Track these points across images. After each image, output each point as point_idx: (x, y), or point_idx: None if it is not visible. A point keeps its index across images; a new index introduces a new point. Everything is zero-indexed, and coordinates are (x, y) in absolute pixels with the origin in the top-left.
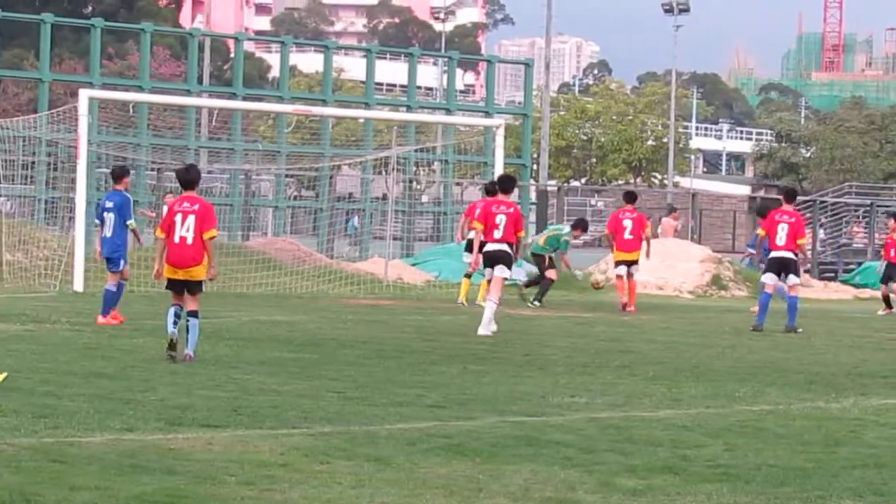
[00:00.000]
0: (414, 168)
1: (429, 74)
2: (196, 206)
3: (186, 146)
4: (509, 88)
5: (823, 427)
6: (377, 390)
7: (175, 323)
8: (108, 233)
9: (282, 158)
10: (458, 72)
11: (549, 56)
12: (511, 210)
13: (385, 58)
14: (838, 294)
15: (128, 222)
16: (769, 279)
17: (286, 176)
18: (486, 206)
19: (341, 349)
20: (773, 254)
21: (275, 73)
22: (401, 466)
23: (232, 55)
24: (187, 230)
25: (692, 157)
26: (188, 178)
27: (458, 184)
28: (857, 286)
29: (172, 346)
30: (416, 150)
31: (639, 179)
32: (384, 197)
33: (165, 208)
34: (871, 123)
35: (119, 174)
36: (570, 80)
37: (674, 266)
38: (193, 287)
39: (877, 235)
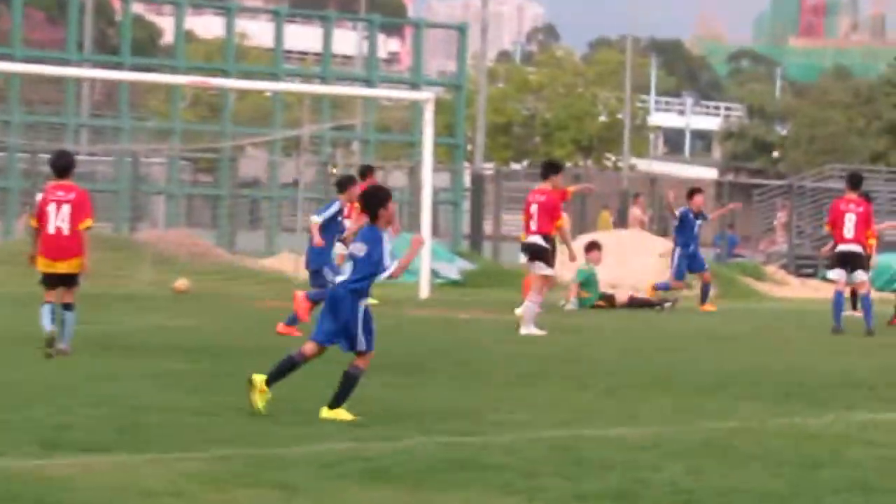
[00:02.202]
0: (329, 149)
1: (347, 41)
2: (71, 195)
3: (65, 124)
4: (440, 57)
5: (802, 446)
6: (286, 406)
7: (52, 320)
8: None
9: (176, 138)
10: (381, 37)
11: (486, 19)
12: (543, 198)
13: (296, 21)
14: (819, 293)
15: None
16: (837, 275)
17: (181, 158)
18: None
19: (245, 359)
20: (841, 247)
21: (168, 39)
22: (312, 495)
23: (118, 18)
24: (62, 221)
25: (651, 135)
26: (60, 165)
27: (380, 167)
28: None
29: (51, 342)
30: (331, 129)
31: (589, 161)
32: (295, 183)
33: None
34: (856, 96)
35: None
36: (510, 48)
37: (629, 262)
38: (70, 280)
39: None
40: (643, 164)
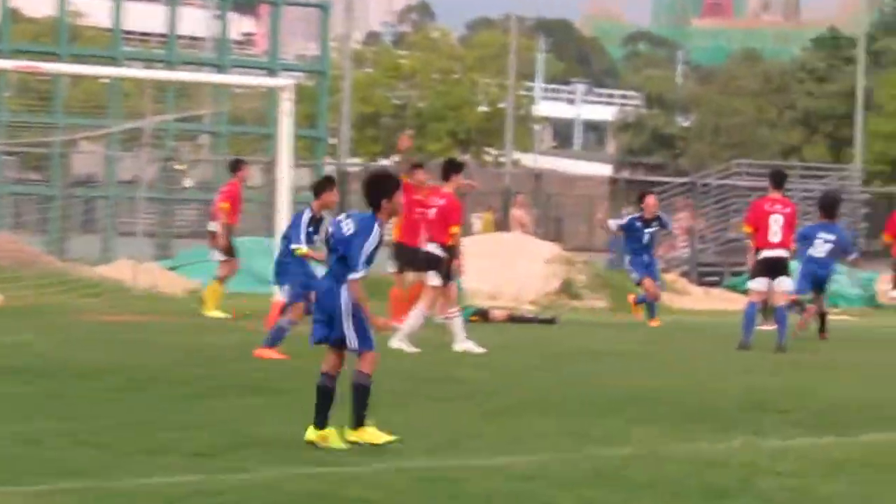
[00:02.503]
0: (174, 143)
1: (195, 20)
2: None
3: None
4: (300, 38)
5: (704, 475)
6: (123, 433)
7: None
8: None
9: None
10: (233, 17)
11: None
12: (443, 202)
13: None
14: (725, 303)
15: None
16: (759, 285)
17: (5, 154)
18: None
19: (76, 380)
20: (766, 253)
21: None
22: None
23: None
24: None
25: (537, 127)
26: None
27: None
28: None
29: None
30: (176, 120)
31: (468, 156)
32: (134, 181)
33: None
34: (766, 83)
35: None
36: (379, 28)
37: (511, 268)
38: None
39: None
40: (528, 160)
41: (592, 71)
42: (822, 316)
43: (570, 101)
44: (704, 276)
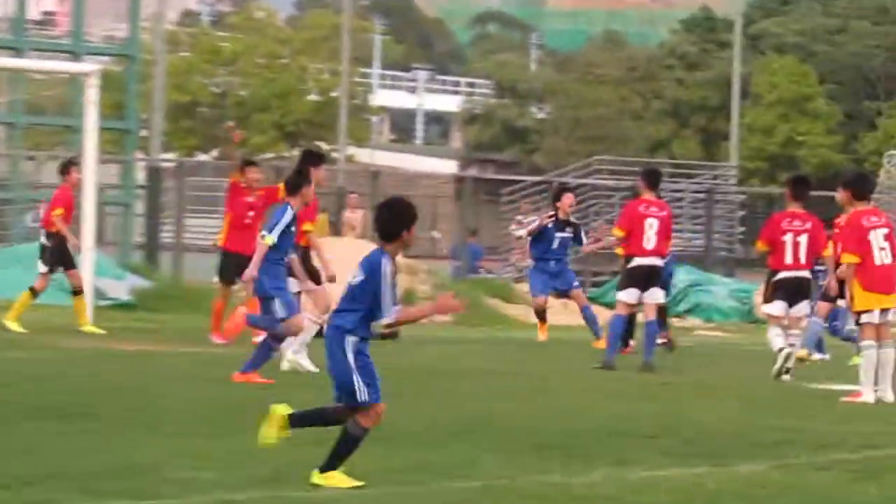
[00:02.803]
0: None
1: None
2: None
3: None
4: (107, 18)
5: None
6: None
7: None
8: None
9: None
10: None
11: None
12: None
13: None
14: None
15: None
16: (629, 296)
17: None
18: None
19: None
20: (639, 260)
21: None
22: None
23: None
24: None
25: (374, 118)
26: None
27: (30, 157)
28: (610, 305)
29: None
30: None
31: (296, 151)
32: None
33: None
34: (631, 70)
35: None
36: (196, 7)
37: (345, 277)
38: None
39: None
40: (364, 155)
41: (436, 56)
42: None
43: (412, 90)
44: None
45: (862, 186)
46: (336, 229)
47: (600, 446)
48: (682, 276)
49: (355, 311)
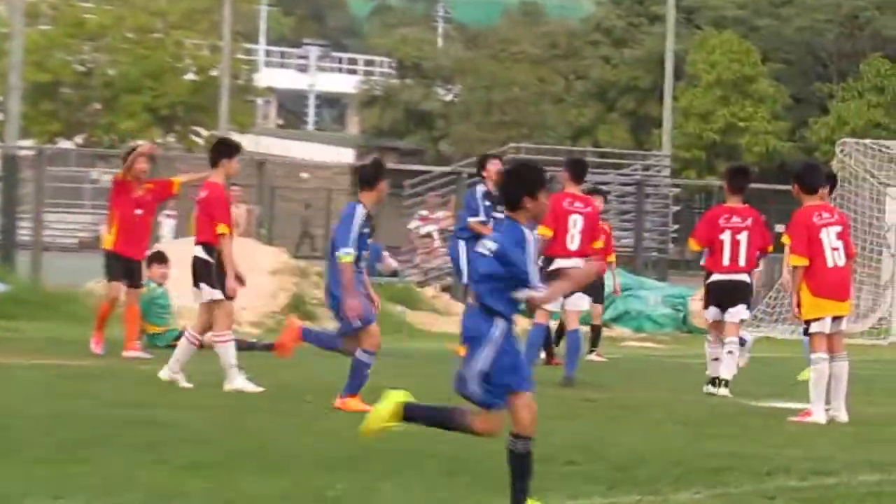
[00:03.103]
0: None
1: None
2: None
3: None
4: None
5: None
6: None
7: None
8: None
9: None
10: None
11: None
12: (206, 193)
13: None
14: None
15: None
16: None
17: None
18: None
19: None
20: (559, 262)
21: None
22: None
23: None
24: None
25: (260, 101)
26: None
27: None
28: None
29: None
30: None
31: (171, 137)
32: None
33: None
34: (551, 47)
35: None
36: None
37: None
38: None
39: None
40: (249, 142)
41: (329, 30)
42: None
43: (302, 69)
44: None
45: (811, 178)
46: None
47: None
48: (608, 280)
49: (500, 283)
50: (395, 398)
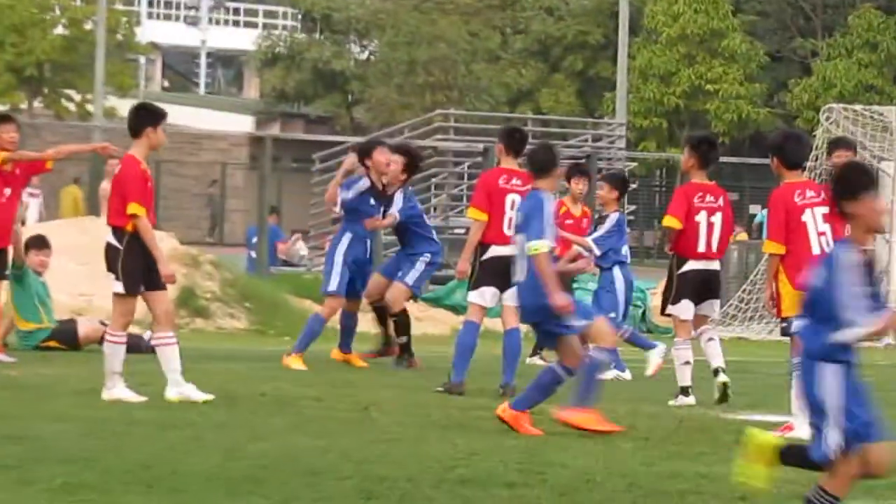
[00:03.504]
0: None
1: None
2: None
3: None
4: None
5: None
6: None
7: None
8: None
9: None
10: None
11: None
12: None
13: None
14: (426, 323)
15: None
16: (481, 297)
17: None
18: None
19: None
20: (495, 250)
21: None
22: None
23: None
24: None
25: (143, 59)
26: None
27: None
28: (456, 309)
29: None
30: None
31: (38, 102)
32: None
33: None
34: None
35: None
36: None
37: (96, 274)
38: None
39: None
40: (129, 108)
41: None
42: None
43: (192, 22)
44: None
45: (794, 151)
46: (92, 206)
47: (443, 497)
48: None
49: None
50: (765, 442)
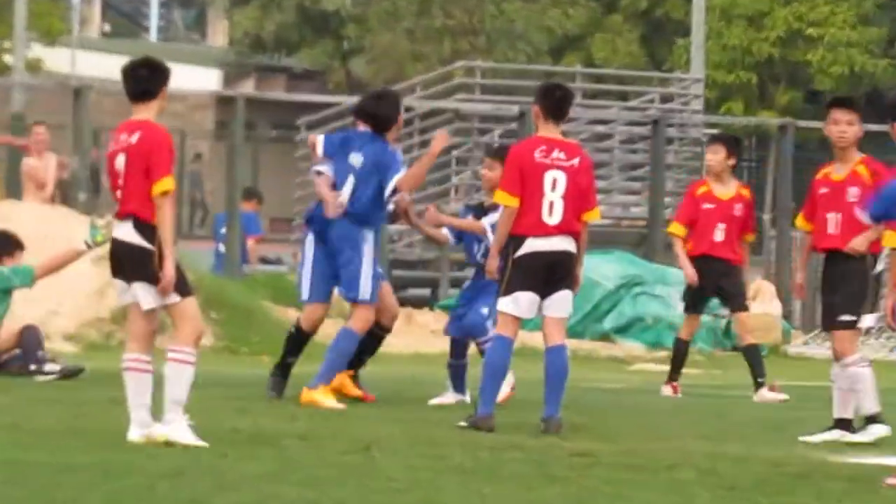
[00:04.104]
0: None
1: None
2: None
3: None
4: None
5: None
6: None
7: None
8: None
9: None
10: None
11: None
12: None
13: None
14: (436, 338)
15: None
16: (514, 306)
17: None
18: None
19: None
20: (532, 244)
21: None
22: None
23: None
24: None
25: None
26: None
27: None
28: None
29: None
30: None
31: None
32: None
33: None
34: None
35: None
36: None
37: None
38: None
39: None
40: (60, 59)
41: None
42: None
43: None
44: (406, 285)
45: None
46: (12, 187)
47: None
48: (608, 269)
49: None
50: None
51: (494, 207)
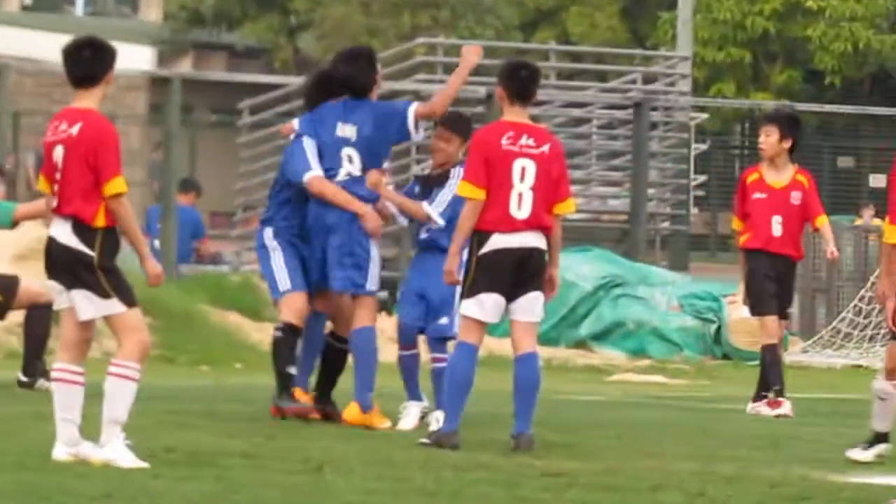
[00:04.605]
0: None
1: None
2: None
3: None
4: None
5: None
6: None
7: None
8: None
9: None
10: None
11: None
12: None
13: None
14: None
15: None
16: (476, 309)
17: None
18: None
19: None
20: (497, 240)
21: None
22: None
23: None
24: None
25: None
26: None
27: None
28: None
29: None
30: None
31: None
32: None
33: None
34: None
35: None
36: None
37: None
38: None
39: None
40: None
41: None
42: None
43: None
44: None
45: None
46: None
47: None
48: (585, 269)
49: None
50: None
51: (440, 180)
